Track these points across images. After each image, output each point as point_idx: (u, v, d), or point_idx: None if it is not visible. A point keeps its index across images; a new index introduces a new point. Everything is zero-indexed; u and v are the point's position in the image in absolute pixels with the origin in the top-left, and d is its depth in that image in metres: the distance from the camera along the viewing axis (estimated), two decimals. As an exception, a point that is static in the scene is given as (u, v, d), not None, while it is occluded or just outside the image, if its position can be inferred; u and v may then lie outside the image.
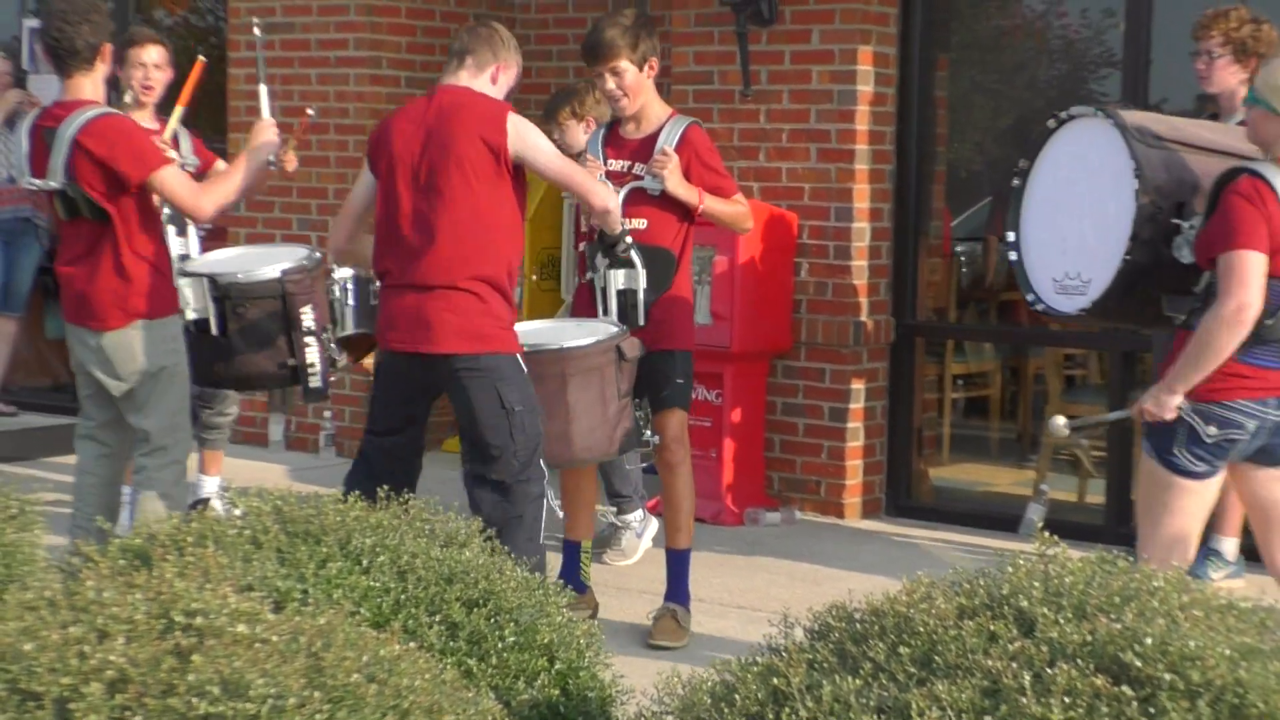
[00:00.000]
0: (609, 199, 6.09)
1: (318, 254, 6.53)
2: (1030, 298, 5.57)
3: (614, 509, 7.78)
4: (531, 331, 6.29)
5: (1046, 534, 3.46)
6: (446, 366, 5.81)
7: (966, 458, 9.59)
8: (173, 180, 6.13)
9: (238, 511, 3.98)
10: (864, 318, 8.51)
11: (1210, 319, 4.98)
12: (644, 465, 7.76)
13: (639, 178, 6.45)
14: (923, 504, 8.78)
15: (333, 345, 6.44)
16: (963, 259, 9.79)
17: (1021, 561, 3.33)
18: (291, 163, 6.97)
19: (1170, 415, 5.07)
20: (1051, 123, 5.56)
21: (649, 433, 6.41)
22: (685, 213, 6.46)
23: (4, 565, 4.36)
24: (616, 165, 6.51)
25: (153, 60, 7.41)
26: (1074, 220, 5.40)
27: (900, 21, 8.59)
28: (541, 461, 5.90)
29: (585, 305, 6.51)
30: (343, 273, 6.42)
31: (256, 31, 6.99)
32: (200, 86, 7.38)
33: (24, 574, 4.39)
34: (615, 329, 6.23)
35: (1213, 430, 5.05)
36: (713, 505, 8.38)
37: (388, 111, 9.48)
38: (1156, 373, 5.41)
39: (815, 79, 8.50)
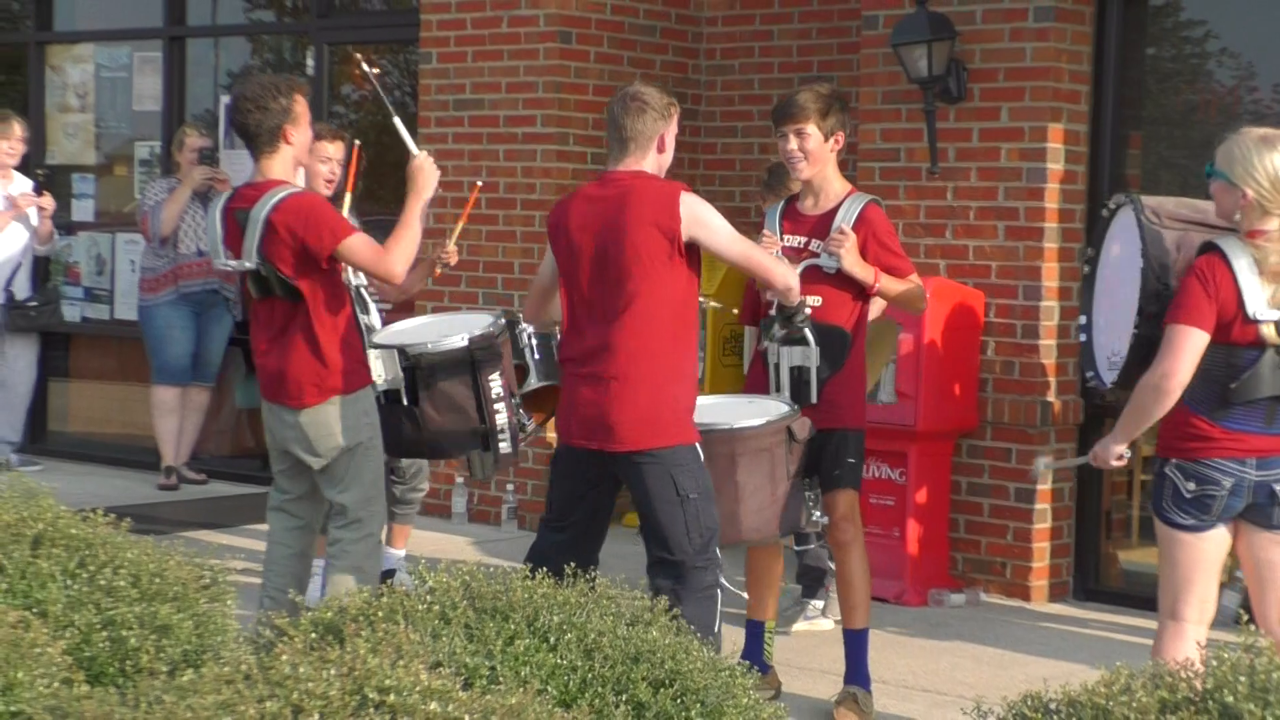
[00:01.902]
0: (790, 277, 6.07)
1: (502, 319, 6.61)
2: (1090, 374, 6.07)
3: (801, 589, 7.76)
4: (702, 408, 6.28)
5: (1251, 625, 3.37)
6: (625, 459, 5.84)
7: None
8: (360, 247, 6.17)
9: (429, 584, 4.00)
10: (1052, 398, 8.40)
11: (1141, 383, 5.47)
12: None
13: (815, 254, 6.43)
14: (1111, 588, 8.61)
15: (520, 410, 6.52)
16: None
17: (1225, 655, 3.24)
18: (453, 256, 7.12)
19: (1116, 462, 5.70)
20: (1105, 212, 6.01)
21: (818, 513, 6.35)
22: (860, 291, 6.42)
23: (197, 635, 4.42)
24: (793, 241, 6.49)
25: (338, 156, 7.59)
26: (1115, 300, 5.84)
27: (1091, 99, 8.50)
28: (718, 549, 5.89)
29: (758, 380, 6.50)
30: (525, 328, 6.53)
31: (366, 68, 7.14)
32: (360, 170, 7.56)
33: (217, 644, 4.45)
34: (786, 408, 6.20)
35: (1191, 486, 5.44)
36: (896, 585, 8.29)
37: (571, 188, 9.65)
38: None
39: (1004, 156, 8.44)
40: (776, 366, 6.37)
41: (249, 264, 6.15)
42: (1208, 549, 5.52)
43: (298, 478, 6.39)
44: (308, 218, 6.10)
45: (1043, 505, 8.43)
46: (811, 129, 6.43)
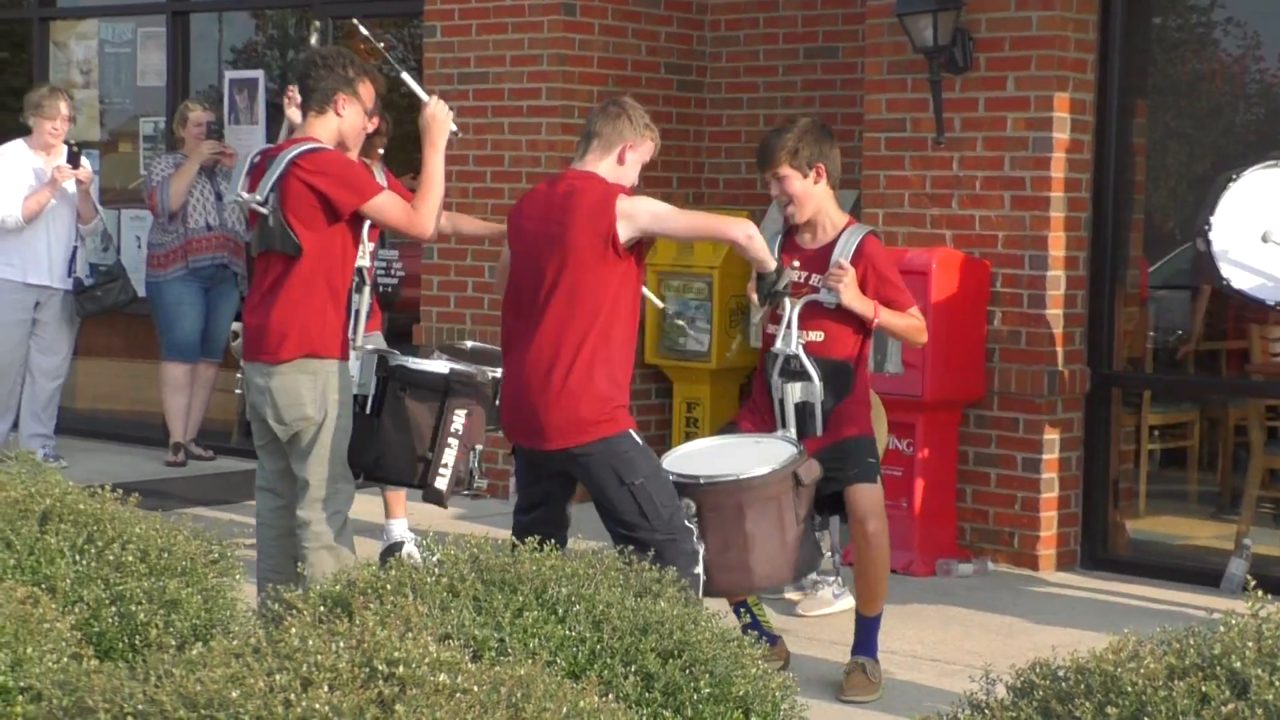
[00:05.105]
0: (748, 227, 6.03)
1: (493, 375, 6.59)
2: None
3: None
4: (704, 452, 6.28)
5: (1258, 592, 3.37)
6: (563, 456, 5.91)
7: (1164, 510, 9.40)
8: (388, 205, 6.21)
9: (437, 556, 4.01)
10: (1059, 367, 8.39)
11: None
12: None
13: (815, 289, 6.42)
14: (1119, 557, 8.61)
15: (475, 465, 6.49)
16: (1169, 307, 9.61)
17: (1234, 621, 3.25)
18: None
19: None
20: None
21: (829, 553, 6.35)
22: (862, 324, 6.42)
23: (206, 610, 4.43)
24: (793, 276, 6.47)
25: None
26: None
27: (1097, 68, 8.48)
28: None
29: (762, 409, 6.52)
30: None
31: (364, 30, 6.94)
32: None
33: (224, 619, 4.46)
34: (791, 450, 6.19)
35: None
36: (904, 556, 8.29)
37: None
38: None
39: (1010, 126, 8.42)
40: (781, 403, 6.40)
41: (259, 199, 6.14)
42: None
43: (276, 453, 6.37)
44: (330, 171, 6.11)
45: (1050, 475, 8.43)
46: (786, 171, 6.41)
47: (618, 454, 5.85)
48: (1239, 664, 3.06)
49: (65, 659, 3.75)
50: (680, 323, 9.67)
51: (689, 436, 9.76)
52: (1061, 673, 3.31)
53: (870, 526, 6.39)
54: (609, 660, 3.71)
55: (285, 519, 6.45)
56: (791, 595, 7.70)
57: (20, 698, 3.59)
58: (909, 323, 6.54)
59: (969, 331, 8.41)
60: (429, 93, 6.52)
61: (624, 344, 5.98)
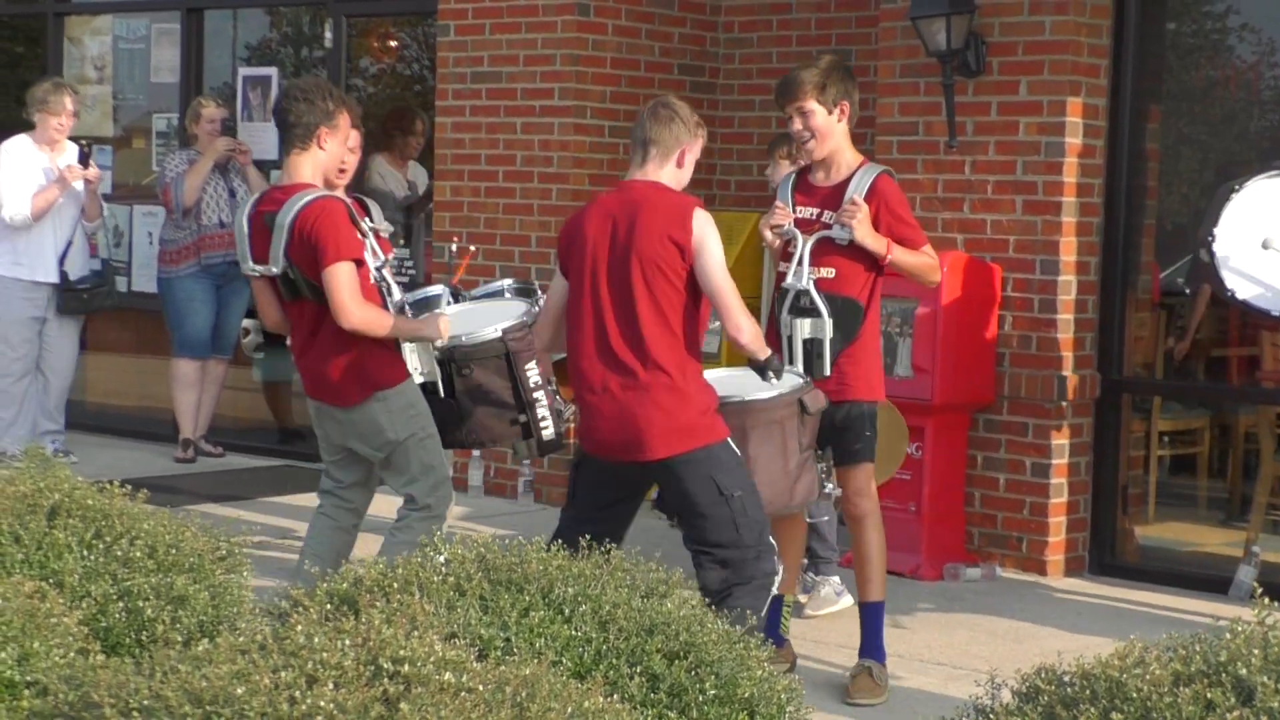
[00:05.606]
0: (746, 331, 5.89)
1: (536, 308, 6.58)
2: None
3: (810, 568, 7.74)
4: (714, 380, 6.27)
5: (1265, 599, 3.37)
6: (660, 467, 5.84)
7: (1173, 516, 9.38)
8: (343, 278, 6.10)
9: (444, 555, 4.01)
10: (1068, 372, 8.39)
11: None
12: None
13: (828, 226, 6.42)
14: (1127, 563, 8.60)
15: (559, 396, 6.51)
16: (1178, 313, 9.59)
17: (1240, 628, 3.24)
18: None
19: None
20: None
21: (830, 485, 6.33)
22: (873, 263, 6.40)
23: (213, 606, 4.44)
24: (805, 212, 6.48)
25: (351, 143, 7.47)
26: None
27: (1111, 73, 8.47)
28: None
29: (772, 348, 6.48)
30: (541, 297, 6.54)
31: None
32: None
33: (232, 615, 4.47)
34: (799, 380, 6.18)
35: None
36: (912, 560, 8.29)
37: (588, 161, 9.62)
38: None
39: (1022, 130, 8.41)
40: (789, 339, 6.37)
41: (275, 270, 6.18)
42: None
43: (349, 467, 6.47)
44: (322, 224, 6.11)
45: (1059, 480, 8.42)
46: (812, 105, 6.41)
47: (719, 463, 5.80)
48: (1245, 671, 3.05)
49: (72, 654, 3.76)
50: None
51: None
52: (1067, 678, 3.31)
53: (862, 506, 6.41)
54: (614, 661, 3.71)
55: (347, 518, 6.60)
56: (800, 598, 7.71)
57: (27, 692, 3.59)
58: (921, 260, 6.51)
59: (979, 335, 8.40)
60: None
61: (700, 351, 5.97)
